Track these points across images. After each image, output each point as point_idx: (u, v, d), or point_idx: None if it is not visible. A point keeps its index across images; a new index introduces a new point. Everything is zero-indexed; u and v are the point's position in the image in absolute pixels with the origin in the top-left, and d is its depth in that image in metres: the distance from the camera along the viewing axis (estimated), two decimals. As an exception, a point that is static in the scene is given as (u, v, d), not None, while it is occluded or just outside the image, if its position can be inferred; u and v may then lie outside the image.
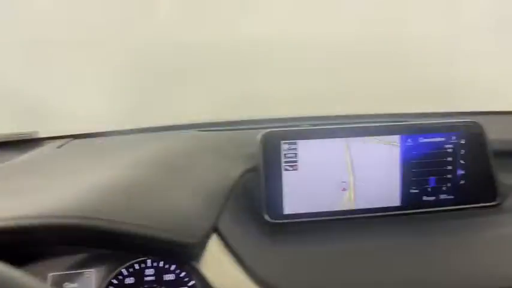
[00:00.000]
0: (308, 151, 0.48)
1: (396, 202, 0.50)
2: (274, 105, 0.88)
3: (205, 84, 0.90)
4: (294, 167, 0.48)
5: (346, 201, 0.49)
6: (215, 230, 0.39)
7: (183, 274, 0.37)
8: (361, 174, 0.49)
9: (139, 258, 0.37)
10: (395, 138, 0.50)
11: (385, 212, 0.50)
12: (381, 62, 0.90)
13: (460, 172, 0.51)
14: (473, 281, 0.39)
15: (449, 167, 0.51)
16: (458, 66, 0.94)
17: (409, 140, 0.50)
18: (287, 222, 0.48)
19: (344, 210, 0.49)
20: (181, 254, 0.36)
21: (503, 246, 0.44)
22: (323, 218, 0.49)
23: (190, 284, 0.37)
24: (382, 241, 0.45)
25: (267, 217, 0.47)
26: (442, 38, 0.92)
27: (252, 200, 0.48)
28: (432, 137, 0.50)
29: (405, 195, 0.50)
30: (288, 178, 0.48)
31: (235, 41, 0.88)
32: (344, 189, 0.49)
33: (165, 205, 0.38)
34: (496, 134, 0.56)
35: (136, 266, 0.37)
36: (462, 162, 0.51)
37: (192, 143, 0.54)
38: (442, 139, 0.51)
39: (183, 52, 0.89)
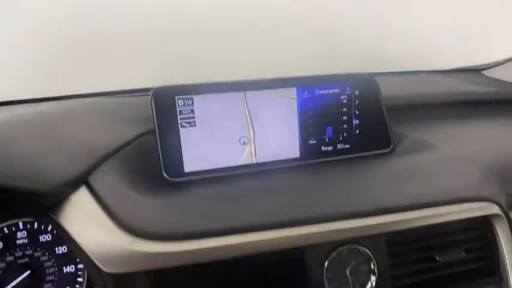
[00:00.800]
0: (205, 106, 0.48)
1: (296, 154, 0.52)
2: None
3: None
4: (191, 124, 0.47)
5: (247, 156, 0.50)
6: (85, 183, 0.37)
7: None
8: (260, 128, 0.50)
9: (9, 221, 0.35)
10: (292, 91, 0.51)
11: (286, 163, 0.51)
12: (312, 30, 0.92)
13: (355, 122, 0.54)
14: (365, 206, 0.42)
15: (345, 118, 0.53)
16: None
17: (305, 93, 0.51)
18: (188, 180, 0.47)
19: (246, 165, 0.50)
20: (38, 206, 0.34)
21: (393, 179, 0.48)
22: (225, 173, 0.49)
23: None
24: (279, 184, 0.46)
25: (166, 176, 0.46)
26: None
27: (153, 160, 0.47)
28: (328, 89, 0.52)
29: (304, 147, 0.52)
30: (186, 135, 0.47)
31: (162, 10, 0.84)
32: (244, 144, 0.50)
33: (23, 159, 0.35)
34: (389, 91, 0.60)
35: (6, 230, 0.34)
36: (357, 112, 0.54)
37: (88, 107, 0.51)
38: (337, 91, 0.53)
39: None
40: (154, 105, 0.46)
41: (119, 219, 0.35)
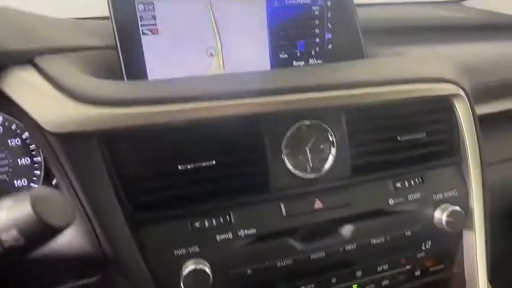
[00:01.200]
0: (167, 13, 0.45)
1: (266, 68, 0.50)
2: None
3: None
4: (154, 31, 0.45)
5: (215, 68, 0.48)
6: (32, 64, 0.35)
7: (13, 126, 0.33)
8: (228, 39, 0.48)
9: None
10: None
11: (255, 78, 0.49)
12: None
13: (328, 36, 0.52)
14: (325, 81, 0.42)
15: (317, 31, 0.51)
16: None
17: (275, 1, 0.49)
18: None
19: (214, 78, 0.48)
20: None
21: (359, 66, 0.49)
22: None
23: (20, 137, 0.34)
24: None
25: (128, 85, 0.44)
26: None
27: (115, 72, 0.45)
28: (299, -1, 0.50)
29: (275, 61, 0.50)
30: (148, 43, 0.45)
31: None
32: (212, 55, 0.48)
33: None
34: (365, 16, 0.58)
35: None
36: (329, 25, 0.52)
37: (57, 20, 0.47)
38: (309, 1, 0.50)
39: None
40: (113, 9, 0.43)
41: (63, 87, 0.33)
